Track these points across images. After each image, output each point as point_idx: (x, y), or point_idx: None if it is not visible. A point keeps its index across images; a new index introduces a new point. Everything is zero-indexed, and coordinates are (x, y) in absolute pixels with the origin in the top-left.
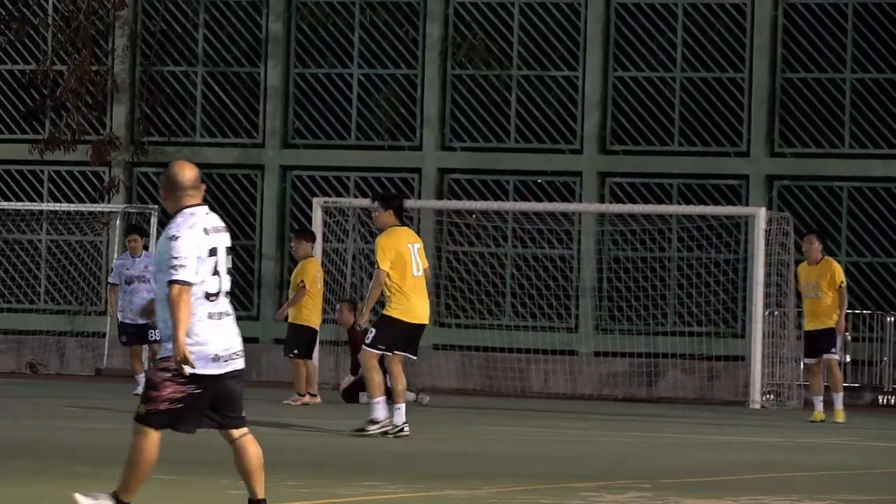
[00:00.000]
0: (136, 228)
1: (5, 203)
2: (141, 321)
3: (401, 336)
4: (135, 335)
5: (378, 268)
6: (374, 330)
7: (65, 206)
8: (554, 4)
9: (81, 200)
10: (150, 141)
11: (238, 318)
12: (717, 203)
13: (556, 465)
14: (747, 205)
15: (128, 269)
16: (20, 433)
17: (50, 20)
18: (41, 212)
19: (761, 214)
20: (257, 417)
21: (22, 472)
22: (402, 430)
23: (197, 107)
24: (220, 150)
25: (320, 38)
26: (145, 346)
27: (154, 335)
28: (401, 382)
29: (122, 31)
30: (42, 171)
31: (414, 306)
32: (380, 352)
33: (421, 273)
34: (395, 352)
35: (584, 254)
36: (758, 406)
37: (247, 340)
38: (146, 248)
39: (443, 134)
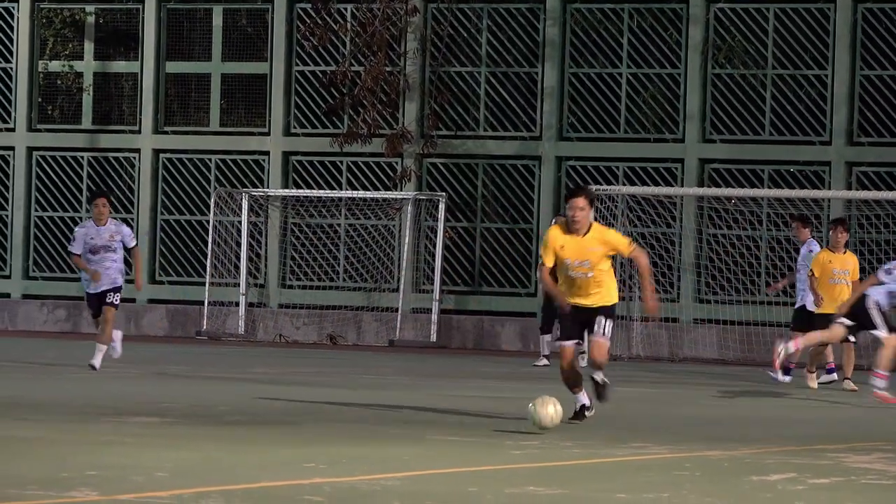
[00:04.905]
0: (102, 193)
1: (308, 191)
2: (102, 289)
3: None
4: (96, 303)
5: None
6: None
7: (361, 194)
8: (805, 9)
9: (376, 188)
10: (438, 134)
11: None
12: None
13: (806, 428)
14: None
15: (91, 238)
16: (323, 396)
17: (349, 26)
18: (340, 199)
19: None
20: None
21: (320, 431)
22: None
23: (480, 103)
24: (501, 143)
25: (592, 41)
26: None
27: (111, 298)
28: None
29: (414, 35)
30: (341, 162)
31: None
32: None
33: None
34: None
35: None
36: None
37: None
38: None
39: (704, 127)
